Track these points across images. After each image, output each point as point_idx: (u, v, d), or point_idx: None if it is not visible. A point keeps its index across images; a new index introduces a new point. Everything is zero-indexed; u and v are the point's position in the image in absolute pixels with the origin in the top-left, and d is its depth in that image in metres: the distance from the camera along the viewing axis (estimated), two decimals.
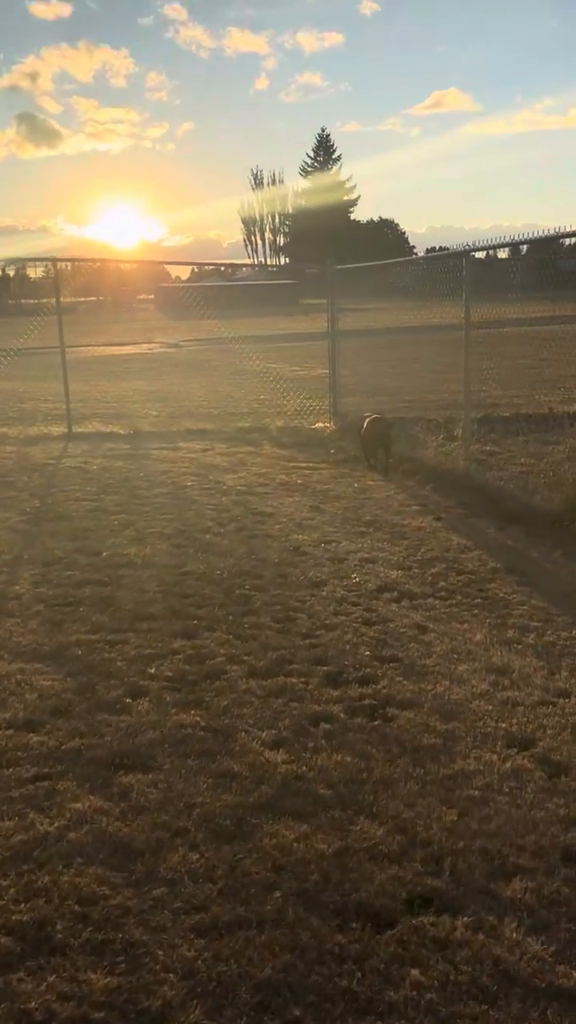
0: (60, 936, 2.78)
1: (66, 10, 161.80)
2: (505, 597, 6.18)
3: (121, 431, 13.65)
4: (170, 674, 4.89)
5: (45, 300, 29.42)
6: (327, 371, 14.90)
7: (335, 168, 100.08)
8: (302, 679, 4.83)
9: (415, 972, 2.61)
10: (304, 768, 3.88)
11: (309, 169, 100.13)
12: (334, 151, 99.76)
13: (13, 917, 2.89)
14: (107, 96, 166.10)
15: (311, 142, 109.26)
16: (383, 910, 2.90)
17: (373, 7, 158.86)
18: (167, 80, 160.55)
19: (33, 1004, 2.48)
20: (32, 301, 49.80)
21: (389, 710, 4.44)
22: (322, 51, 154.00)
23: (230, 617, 5.78)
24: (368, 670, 4.93)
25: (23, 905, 2.96)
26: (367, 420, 11.24)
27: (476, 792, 3.68)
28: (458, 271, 10.26)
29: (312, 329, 24.24)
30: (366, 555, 7.19)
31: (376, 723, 4.31)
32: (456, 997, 2.52)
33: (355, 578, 6.60)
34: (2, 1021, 2.44)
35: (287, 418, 14.32)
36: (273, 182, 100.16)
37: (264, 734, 4.19)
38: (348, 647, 5.28)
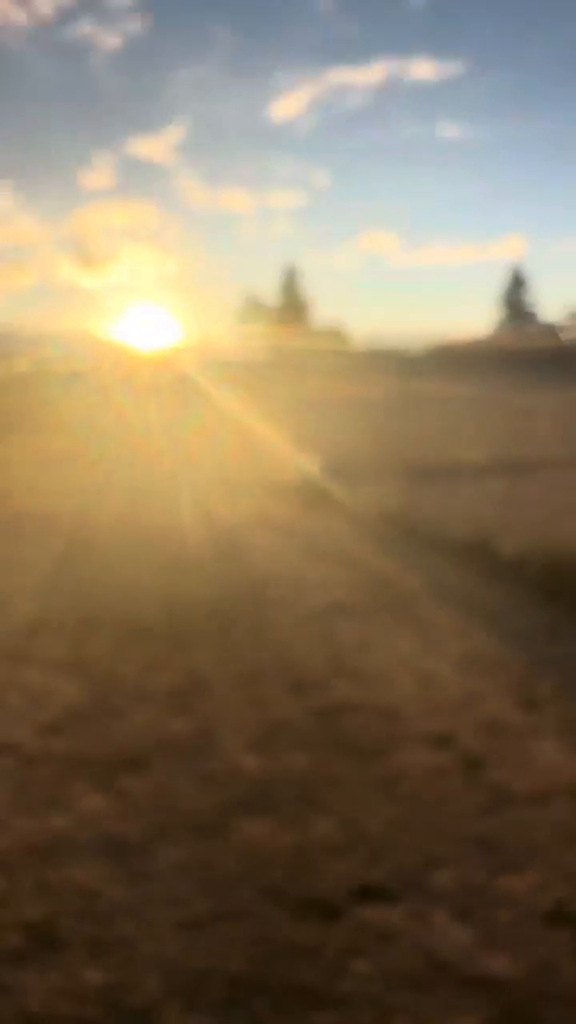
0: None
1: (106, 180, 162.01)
2: (430, 615, 5.89)
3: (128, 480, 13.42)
4: (166, 688, 4.54)
5: None
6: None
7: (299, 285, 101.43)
8: (271, 689, 4.49)
9: (360, 963, 2.29)
10: (270, 769, 3.55)
11: (282, 286, 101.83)
12: (299, 273, 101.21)
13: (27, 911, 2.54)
14: (138, 237, 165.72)
15: (282, 266, 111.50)
16: (334, 902, 2.58)
17: (325, 178, 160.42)
18: (179, 227, 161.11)
19: None
20: None
21: (340, 715, 4.11)
22: (290, 208, 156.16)
23: (213, 633, 5.45)
24: (322, 680, 4.61)
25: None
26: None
27: (408, 790, 3.37)
28: None
29: None
30: (321, 580, 6.88)
31: (329, 727, 3.99)
32: (396, 986, 2.20)
33: (313, 600, 6.29)
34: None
35: (262, 469, 14.09)
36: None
37: (238, 738, 3.85)
38: (306, 659, 4.97)
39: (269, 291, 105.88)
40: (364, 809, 3.18)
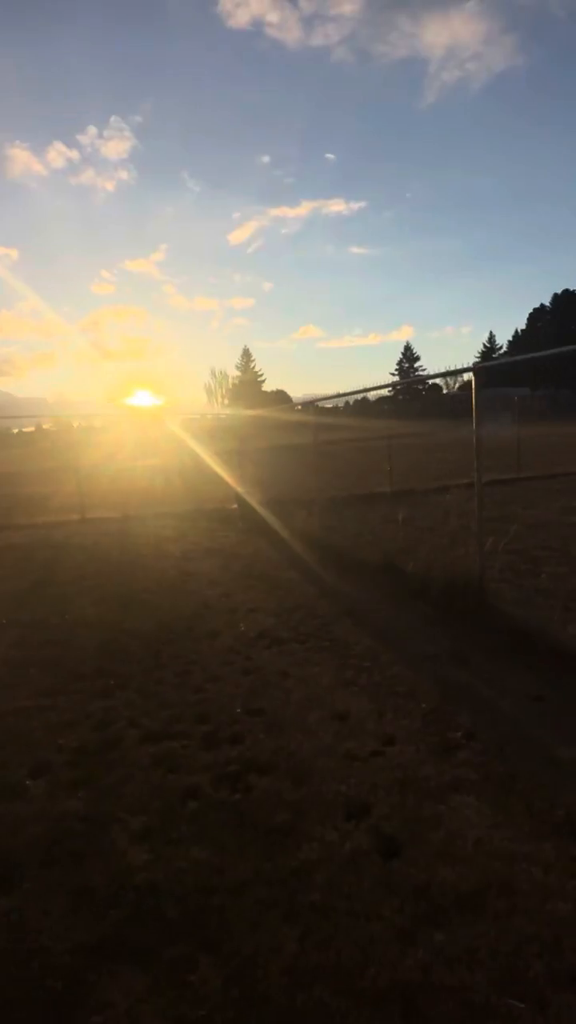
0: None
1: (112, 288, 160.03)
2: (345, 638, 4.59)
3: (116, 515, 11.78)
4: (76, 745, 3.15)
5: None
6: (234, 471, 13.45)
7: (252, 363, 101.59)
8: (184, 742, 3.13)
9: None
10: (160, 874, 2.20)
11: (240, 365, 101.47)
12: (252, 355, 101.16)
13: None
14: (136, 331, 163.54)
15: (240, 350, 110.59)
16: None
17: (270, 286, 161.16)
18: (165, 323, 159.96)
19: None
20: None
21: (250, 777, 2.78)
22: (245, 308, 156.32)
23: (141, 674, 4.05)
24: (238, 727, 3.26)
25: None
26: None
27: (317, 896, 2.06)
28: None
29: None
30: (252, 606, 5.56)
31: (237, 796, 2.65)
32: None
33: (241, 627, 4.95)
34: None
35: (215, 502, 12.66)
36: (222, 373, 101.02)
37: (135, 821, 2.51)
38: (226, 700, 3.61)
39: (229, 367, 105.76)
40: None
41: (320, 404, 8.35)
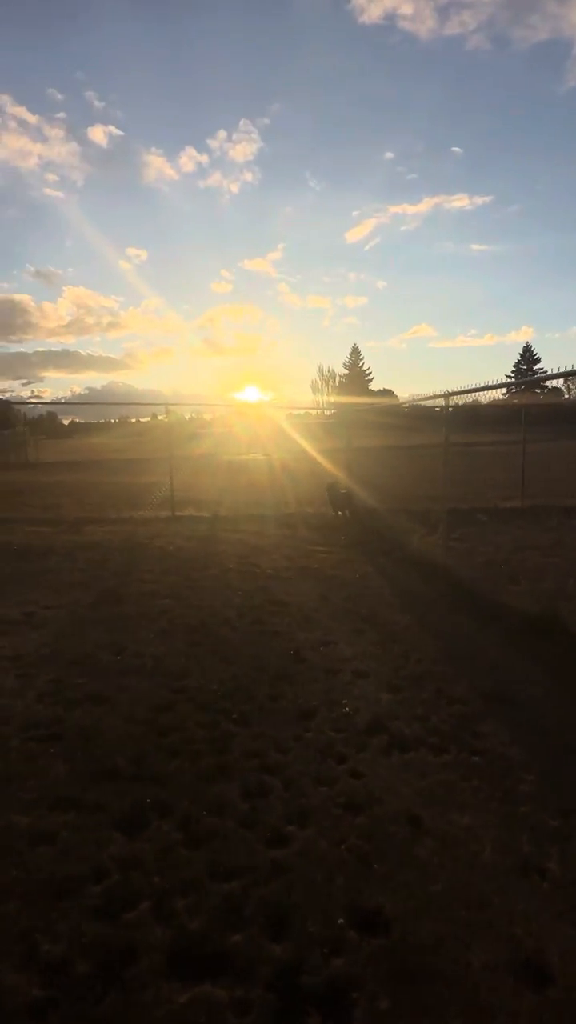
0: None
1: (229, 287, 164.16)
2: (503, 751, 2.98)
3: (207, 514, 10.69)
4: (60, 951, 1.84)
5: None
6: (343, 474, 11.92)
7: (361, 362, 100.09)
8: (239, 981, 1.72)
9: None
10: None
11: (348, 363, 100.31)
12: (360, 353, 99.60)
13: None
14: (248, 329, 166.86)
15: (349, 348, 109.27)
16: None
17: (384, 284, 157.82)
18: (278, 321, 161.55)
19: None
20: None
21: None
22: (357, 307, 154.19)
23: (193, 783, 2.69)
24: (340, 958, 1.81)
25: None
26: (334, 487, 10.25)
27: None
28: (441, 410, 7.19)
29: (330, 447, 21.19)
30: (359, 665, 4.06)
31: None
32: None
33: (346, 707, 3.47)
34: None
35: (316, 506, 11.21)
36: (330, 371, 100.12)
37: None
38: (320, 879, 2.11)
39: (338, 365, 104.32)
40: None
41: (453, 397, 6.63)
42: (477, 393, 7.71)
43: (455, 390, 6.49)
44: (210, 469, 20.31)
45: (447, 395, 6.57)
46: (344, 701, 3.50)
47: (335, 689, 3.67)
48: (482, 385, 6.44)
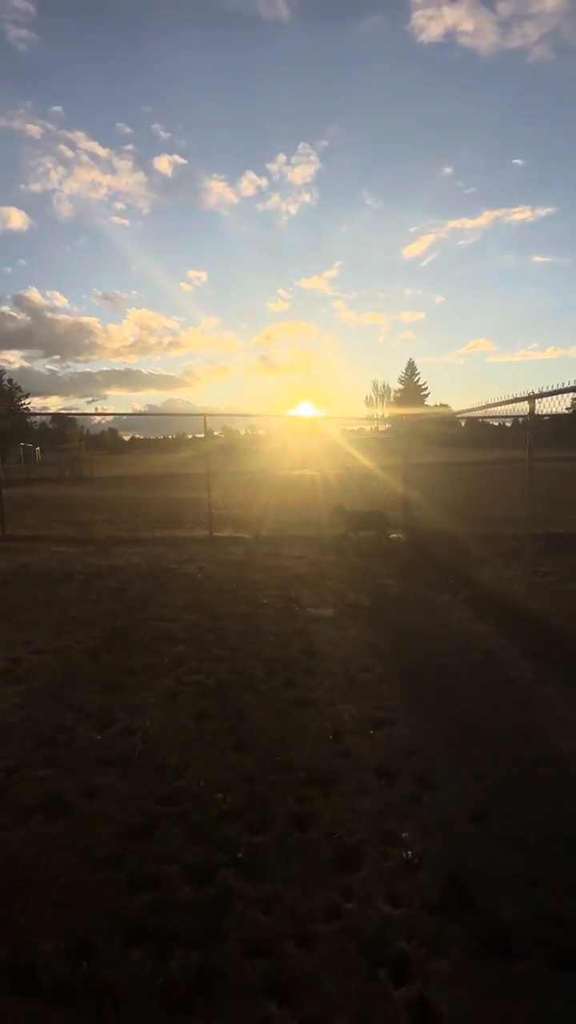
0: None
1: (285, 305, 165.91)
2: None
3: (248, 535, 9.67)
4: None
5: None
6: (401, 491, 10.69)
7: (417, 377, 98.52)
8: None
9: None
10: None
11: (403, 378, 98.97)
12: (416, 368, 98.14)
13: None
14: (303, 346, 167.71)
15: (405, 363, 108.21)
16: None
17: (441, 300, 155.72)
18: (332, 338, 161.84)
19: None
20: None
21: None
22: (414, 322, 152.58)
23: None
24: None
25: None
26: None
27: None
28: (524, 416, 5.88)
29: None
30: (422, 766, 2.87)
31: None
32: None
33: (406, 850, 2.28)
34: None
35: (370, 527, 10.01)
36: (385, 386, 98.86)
37: None
38: None
39: (393, 381, 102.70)
40: None
41: (541, 401, 5.33)
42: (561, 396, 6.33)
43: (541, 391, 5.21)
44: (258, 485, 19.44)
45: (532, 397, 5.30)
46: (404, 835, 2.33)
47: (391, 809, 2.51)
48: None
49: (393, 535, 9.35)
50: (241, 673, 4.00)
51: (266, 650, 4.42)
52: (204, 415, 9.49)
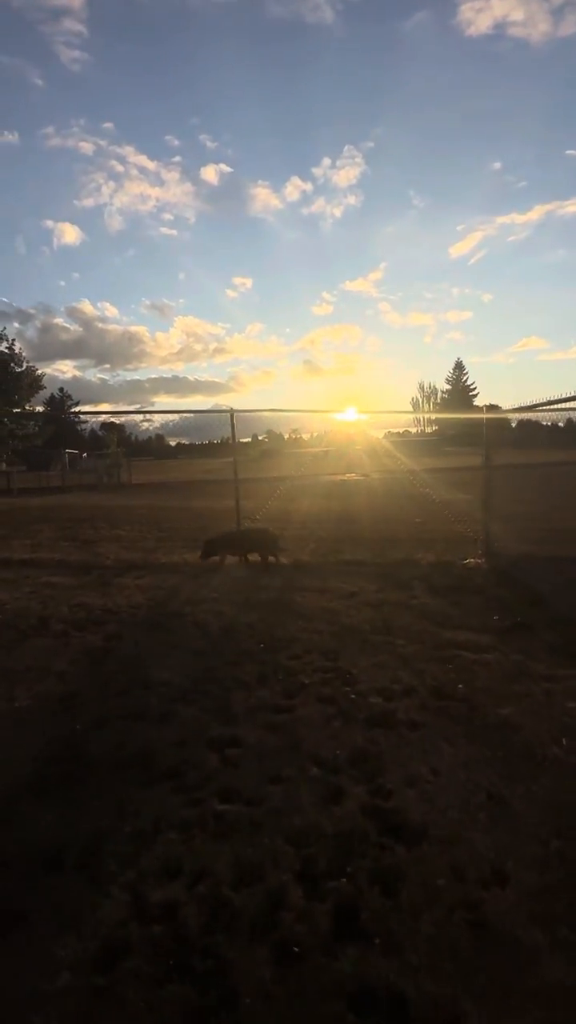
0: None
1: (329, 309, 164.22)
2: None
3: (285, 561, 7.78)
4: None
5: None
6: (469, 497, 8.60)
7: (465, 377, 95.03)
8: None
9: None
10: None
11: (451, 378, 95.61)
12: (464, 367, 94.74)
13: None
14: (348, 349, 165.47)
15: (451, 364, 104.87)
16: None
17: (490, 297, 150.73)
18: (377, 340, 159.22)
19: None
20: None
21: None
22: (461, 322, 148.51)
23: None
24: None
25: None
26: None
27: None
28: None
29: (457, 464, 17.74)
30: None
31: None
32: None
33: None
34: None
35: (437, 551, 7.93)
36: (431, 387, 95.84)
37: None
38: None
39: (440, 382, 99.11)
40: None
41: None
42: None
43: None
44: (300, 493, 17.52)
45: None
46: None
47: None
48: None
49: (469, 560, 7.26)
50: (257, 877, 2.08)
51: (306, 813, 2.48)
52: (231, 411, 7.63)
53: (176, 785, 2.67)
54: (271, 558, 7.40)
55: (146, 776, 2.75)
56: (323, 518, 11.99)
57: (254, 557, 7.51)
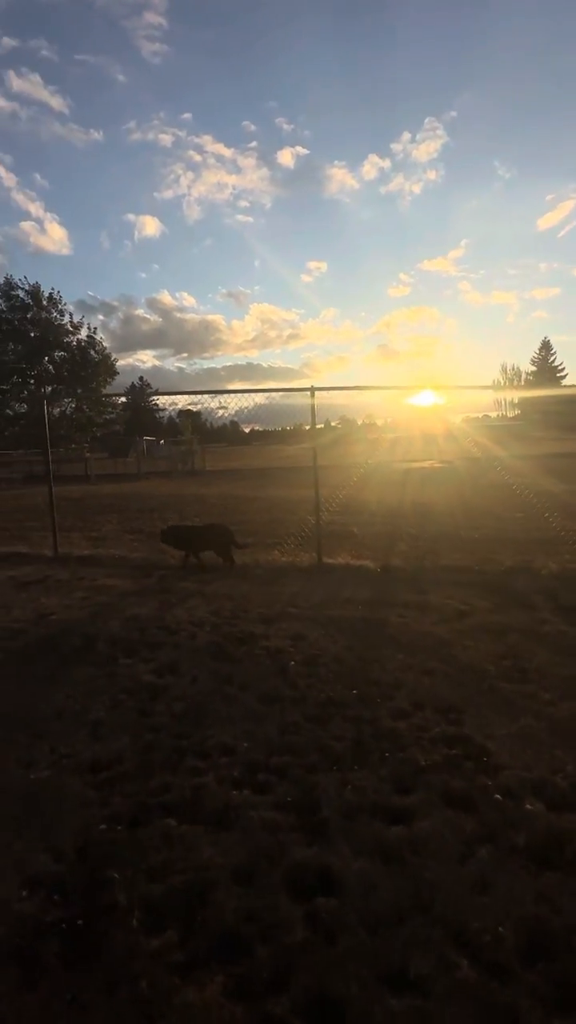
0: None
1: (406, 290, 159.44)
2: None
3: (371, 565, 6.63)
4: None
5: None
6: None
7: (552, 357, 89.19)
8: None
9: None
10: None
11: (536, 359, 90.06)
12: (552, 348, 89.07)
13: None
14: (424, 331, 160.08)
15: (536, 345, 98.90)
16: None
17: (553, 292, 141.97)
18: (456, 321, 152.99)
19: None
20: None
21: None
22: (548, 299, 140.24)
23: None
24: None
25: None
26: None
27: None
28: None
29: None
30: None
31: None
32: None
33: None
34: None
35: (560, 555, 6.50)
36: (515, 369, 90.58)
37: None
38: None
39: (523, 363, 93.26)
40: None
41: None
42: None
43: None
44: (378, 481, 16.22)
45: None
46: None
47: None
48: None
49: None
50: None
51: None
52: (312, 388, 6.51)
53: (236, 985, 1.64)
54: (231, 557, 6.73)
55: (188, 959, 1.73)
56: (407, 511, 10.69)
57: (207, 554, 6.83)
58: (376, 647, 4.10)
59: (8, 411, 32.80)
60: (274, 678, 3.62)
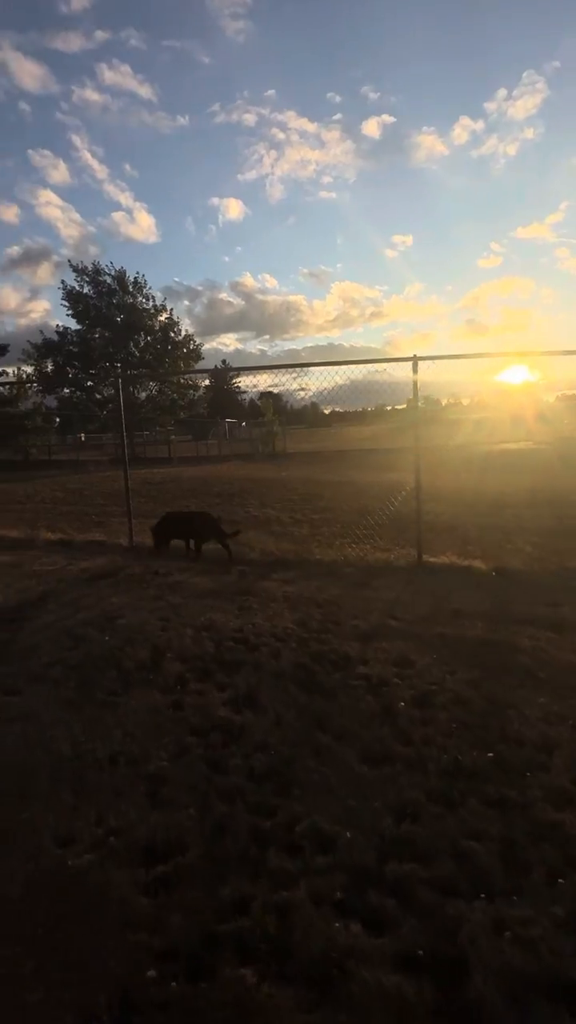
0: None
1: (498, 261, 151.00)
2: None
3: (482, 566, 5.64)
4: None
5: None
6: None
7: None
8: None
9: None
10: None
11: None
12: None
13: None
14: (517, 304, 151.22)
15: None
16: None
17: None
18: (553, 292, 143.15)
19: None
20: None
21: None
22: None
23: None
24: None
25: None
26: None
27: None
28: None
29: None
30: None
31: None
32: None
33: None
34: None
35: None
36: None
37: None
38: None
39: None
40: None
41: None
42: None
43: None
44: (470, 465, 14.81)
45: None
46: None
47: None
48: None
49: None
50: None
51: None
52: (415, 358, 5.53)
53: None
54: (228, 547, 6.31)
55: None
56: (511, 500, 9.42)
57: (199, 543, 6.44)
58: (508, 684, 3.19)
59: (97, 395, 33.68)
60: (379, 725, 2.82)
